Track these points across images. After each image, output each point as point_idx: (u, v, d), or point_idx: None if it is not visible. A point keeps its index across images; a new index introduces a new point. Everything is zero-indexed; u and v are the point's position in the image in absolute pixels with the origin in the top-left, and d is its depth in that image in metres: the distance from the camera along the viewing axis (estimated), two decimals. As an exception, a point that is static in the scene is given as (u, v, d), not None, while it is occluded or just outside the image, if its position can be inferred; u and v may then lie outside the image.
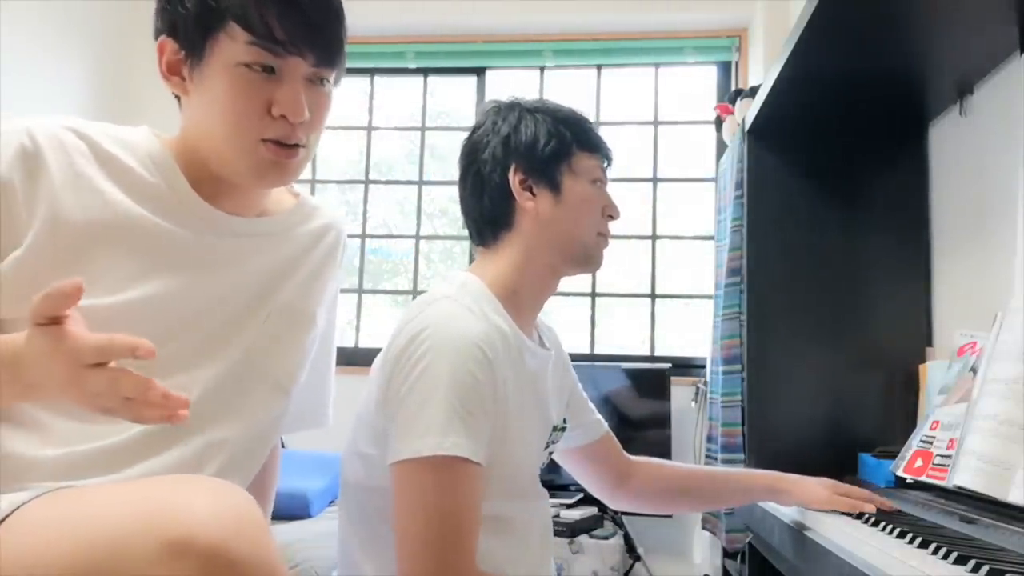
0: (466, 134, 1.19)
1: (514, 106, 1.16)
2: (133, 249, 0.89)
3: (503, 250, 1.13)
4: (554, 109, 1.16)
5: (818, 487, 1.20)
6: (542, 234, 1.12)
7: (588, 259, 1.15)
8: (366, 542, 1.07)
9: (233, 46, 0.88)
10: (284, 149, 0.91)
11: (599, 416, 1.30)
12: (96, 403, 0.70)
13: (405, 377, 0.97)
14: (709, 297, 2.34)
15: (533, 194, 1.11)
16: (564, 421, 1.22)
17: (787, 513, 1.23)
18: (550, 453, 1.22)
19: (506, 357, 1.04)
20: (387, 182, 3.52)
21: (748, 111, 1.76)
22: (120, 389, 0.69)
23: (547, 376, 1.17)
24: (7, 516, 0.71)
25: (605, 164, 1.18)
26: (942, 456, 1.14)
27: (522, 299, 1.12)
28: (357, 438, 1.08)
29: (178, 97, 0.97)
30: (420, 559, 0.92)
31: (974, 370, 1.16)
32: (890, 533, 0.92)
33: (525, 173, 1.11)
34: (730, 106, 2.40)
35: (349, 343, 3.33)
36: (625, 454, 1.32)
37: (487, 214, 1.14)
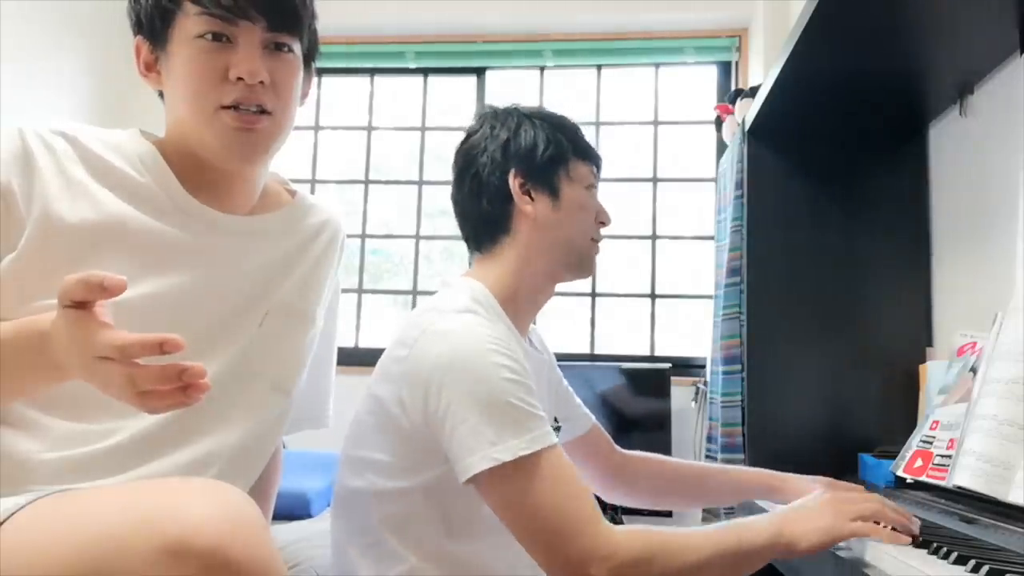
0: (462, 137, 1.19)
1: (512, 112, 1.17)
2: (127, 251, 0.89)
3: (502, 254, 1.13)
4: (550, 115, 1.18)
5: (812, 485, 1.20)
6: (540, 239, 1.12)
7: (582, 264, 1.17)
8: (366, 549, 1.04)
9: (187, 22, 0.90)
10: (246, 115, 0.91)
11: (586, 410, 1.31)
12: (108, 392, 0.70)
13: (450, 391, 0.95)
14: (709, 297, 2.34)
15: (532, 199, 1.12)
16: (556, 420, 1.23)
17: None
18: None
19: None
20: (387, 182, 3.52)
21: (748, 111, 1.75)
22: (136, 385, 0.67)
23: (543, 378, 1.18)
24: (4, 520, 0.71)
25: (595, 171, 1.20)
26: (942, 456, 1.14)
27: (520, 303, 1.12)
28: (362, 443, 1.06)
29: (162, 96, 0.97)
30: (559, 548, 0.89)
31: (974, 370, 1.16)
32: (890, 533, 0.92)
33: (524, 178, 1.12)
34: (730, 106, 2.40)
35: (349, 343, 3.33)
36: (617, 448, 1.33)
37: (485, 217, 1.14)
